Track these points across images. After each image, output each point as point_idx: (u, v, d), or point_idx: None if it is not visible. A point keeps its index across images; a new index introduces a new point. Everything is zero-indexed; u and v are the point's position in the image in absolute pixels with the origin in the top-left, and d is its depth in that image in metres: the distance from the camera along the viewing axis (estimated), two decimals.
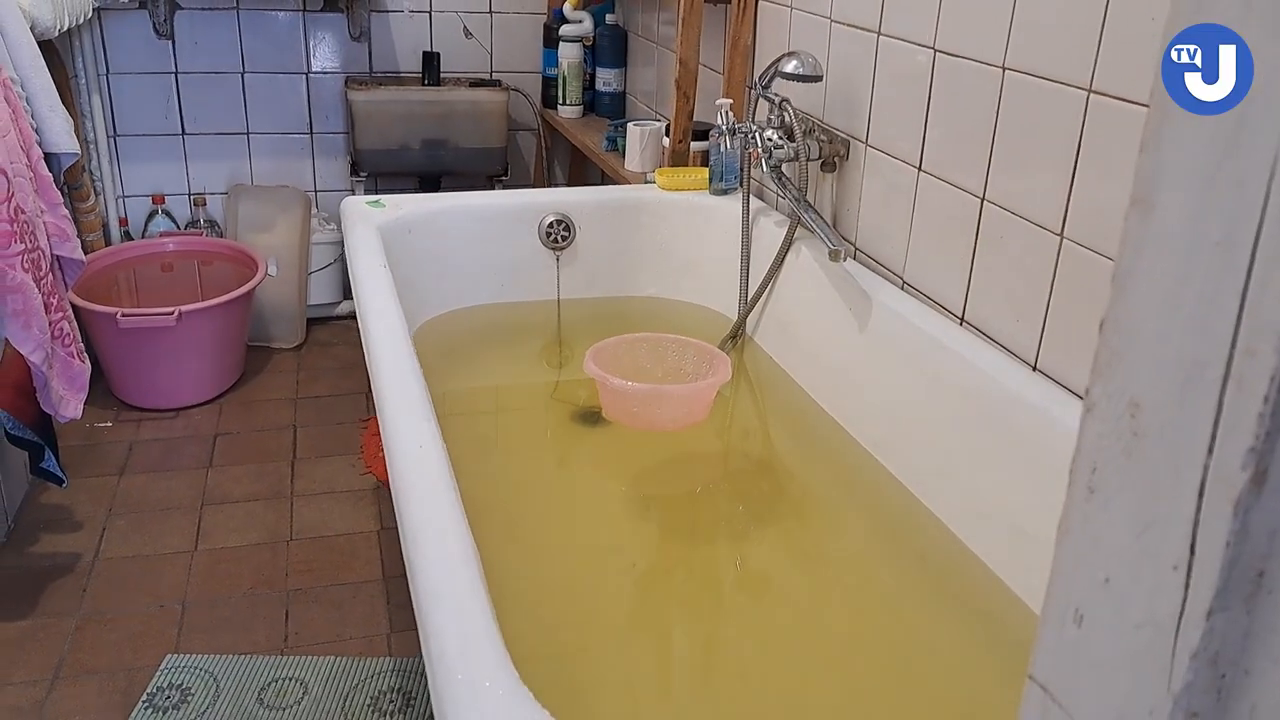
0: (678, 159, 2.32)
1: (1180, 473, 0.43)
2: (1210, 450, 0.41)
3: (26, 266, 1.65)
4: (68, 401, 1.83)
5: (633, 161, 2.48)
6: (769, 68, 1.84)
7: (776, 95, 1.88)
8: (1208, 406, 0.41)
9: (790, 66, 1.78)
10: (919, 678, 1.31)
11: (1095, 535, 0.48)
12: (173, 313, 2.41)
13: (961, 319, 1.57)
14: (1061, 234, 1.34)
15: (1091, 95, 1.27)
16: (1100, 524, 0.48)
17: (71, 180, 2.49)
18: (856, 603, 1.45)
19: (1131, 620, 0.46)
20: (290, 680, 1.71)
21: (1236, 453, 0.40)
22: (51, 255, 1.80)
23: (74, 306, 2.07)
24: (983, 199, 1.50)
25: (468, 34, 3.13)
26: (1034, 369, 1.41)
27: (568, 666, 1.28)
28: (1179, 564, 0.43)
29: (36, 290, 1.68)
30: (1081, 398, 1.32)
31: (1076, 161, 1.31)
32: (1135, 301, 0.46)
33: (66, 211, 1.86)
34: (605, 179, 2.70)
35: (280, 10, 2.94)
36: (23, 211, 1.66)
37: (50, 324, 1.74)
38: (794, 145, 1.84)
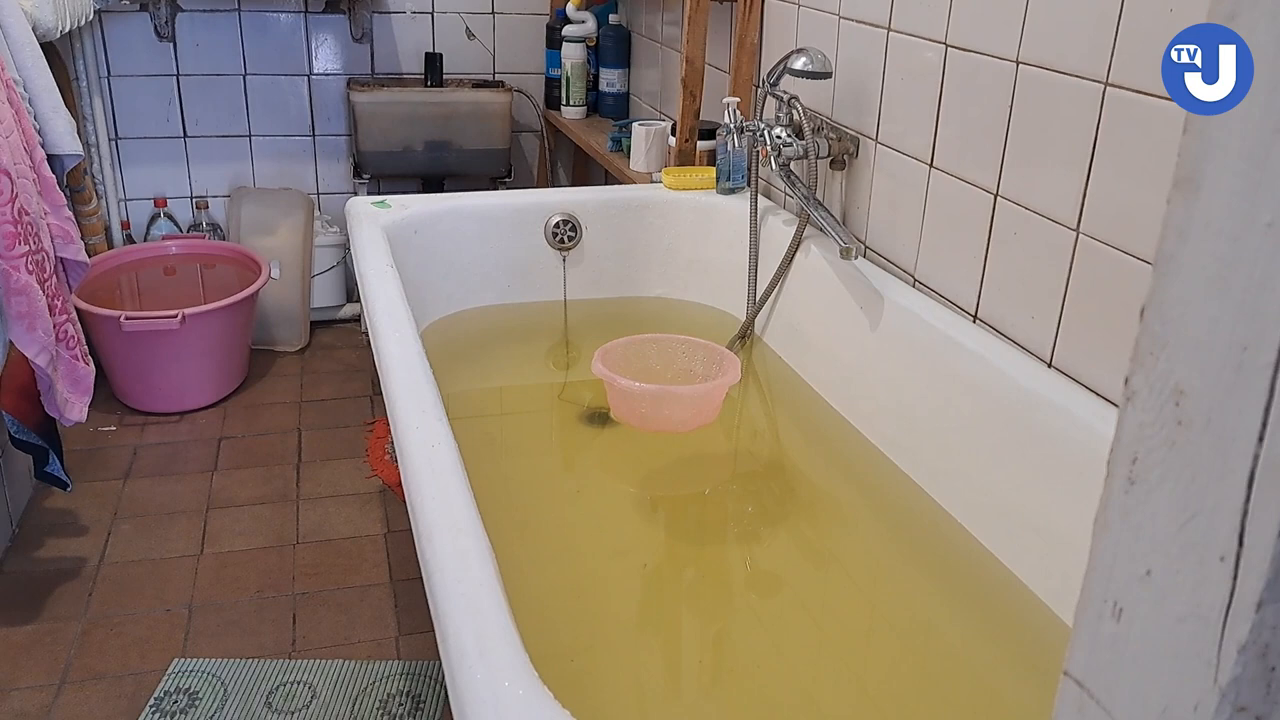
0: (684, 158, 2.31)
1: (1228, 461, 0.42)
2: (1261, 438, 0.40)
3: (31, 269, 1.64)
4: (72, 404, 1.82)
5: (638, 162, 2.47)
6: (777, 65, 1.82)
7: (785, 93, 1.87)
8: (1258, 392, 0.40)
9: (799, 63, 1.77)
10: (933, 677, 1.29)
11: (1136, 527, 0.47)
12: (176, 316, 2.40)
13: (974, 316, 1.56)
14: (1077, 229, 1.33)
15: (1108, 88, 1.26)
16: (1141, 516, 0.47)
17: (74, 183, 2.48)
18: (869, 602, 1.44)
19: (1174, 613, 0.45)
20: (298, 684, 1.69)
21: None
22: (55, 257, 1.79)
23: (77, 309, 2.06)
24: (996, 195, 1.48)
25: (470, 35, 3.12)
26: (1049, 366, 1.40)
27: (579, 665, 1.27)
28: (1226, 555, 0.42)
29: (41, 292, 1.67)
30: (1098, 394, 1.32)
31: (1093, 156, 1.29)
32: (1179, 286, 0.44)
33: (70, 214, 1.85)
34: (609, 179, 2.69)
35: (282, 12, 2.93)
36: (26, 213, 1.65)
37: (55, 326, 1.72)
38: (803, 143, 1.83)
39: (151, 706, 1.64)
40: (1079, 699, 0.52)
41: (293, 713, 1.64)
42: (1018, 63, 1.42)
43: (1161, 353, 0.46)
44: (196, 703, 1.65)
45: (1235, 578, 0.42)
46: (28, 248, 1.64)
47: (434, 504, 1.02)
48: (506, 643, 0.81)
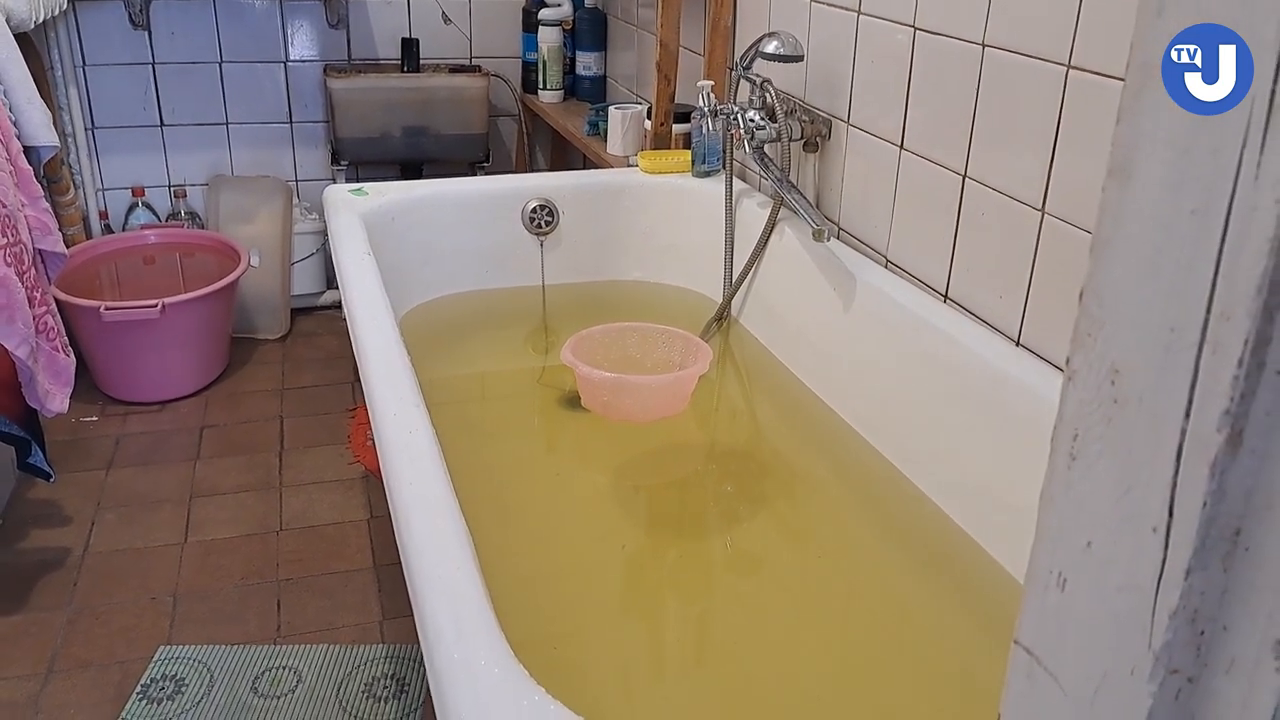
0: (660, 142, 2.32)
1: (1159, 437, 0.44)
2: (1187, 414, 0.42)
3: (9, 261, 1.65)
4: (54, 395, 1.82)
5: (615, 145, 2.48)
6: (749, 49, 1.84)
7: (758, 76, 1.89)
8: (1185, 371, 0.42)
9: (771, 47, 1.79)
10: (908, 649, 1.32)
11: (1077, 501, 0.49)
12: (157, 305, 2.41)
13: (945, 296, 1.58)
14: (1043, 210, 1.35)
15: (1071, 71, 1.28)
16: (1082, 490, 0.49)
17: (50, 174, 2.48)
18: (846, 578, 1.47)
19: (1113, 583, 0.47)
20: (284, 669, 1.71)
21: (1212, 415, 0.41)
22: (34, 249, 1.80)
23: (56, 300, 2.07)
24: (964, 176, 1.51)
25: (446, 20, 3.12)
26: (1017, 344, 1.43)
27: (560, 649, 1.29)
28: (1158, 526, 0.44)
29: (20, 284, 1.67)
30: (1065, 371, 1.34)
31: (1057, 137, 1.32)
32: (1114, 270, 0.46)
33: (48, 205, 1.86)
34: (587, 163, 2.70)
35: None
36: (3, 205, 1.65)
37: (34, 318, 1.73)
38: (776, 126, 1.85)
39: (138, 694, 1.66)
40: (1028, 665, 0.54)
41: (279, 697, 1.66)
42: (983, 46, 1.44)
43: (1099, 333, 0.48)
44: (183, 689, 1.67)
45: (1166, 548, 0.44)
46: (5, 240, 1.65)
47: (411, 489, 1.04)
48: (483, 625, 0.83)
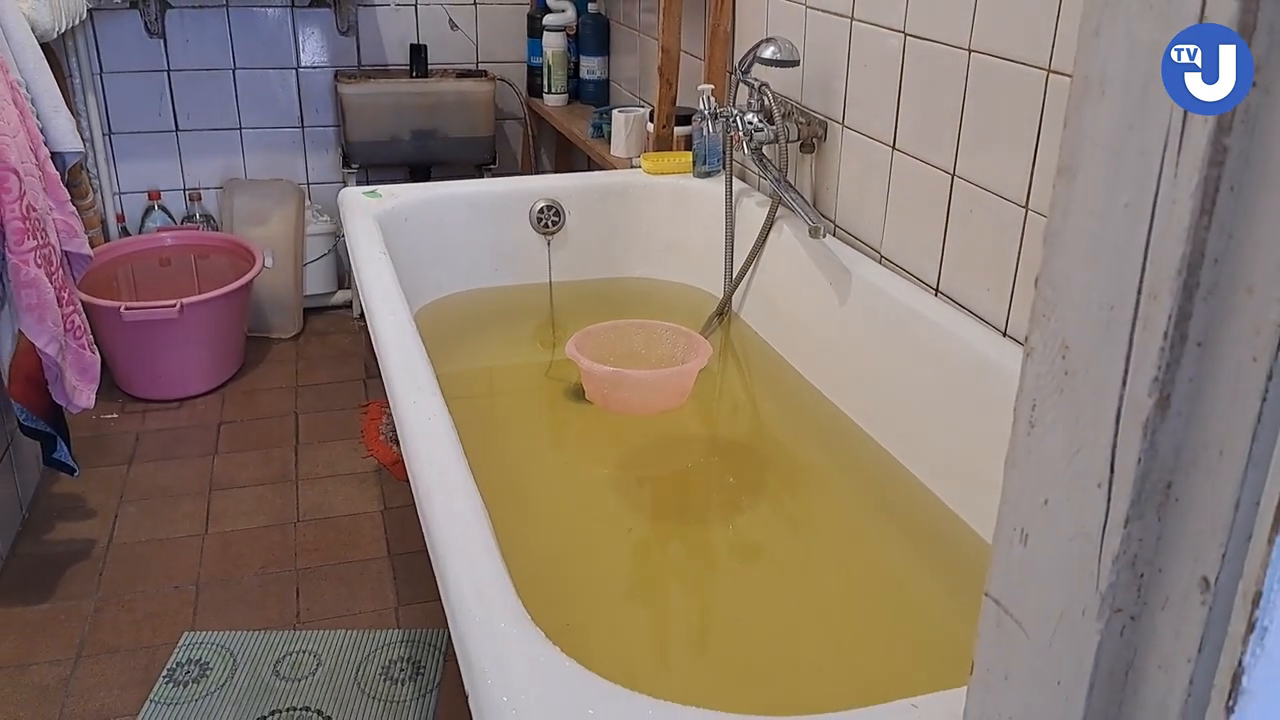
0: (662, 144, 2.39)
1: (1101, 402, 0.50)
2: (1124, 381, 0.48)
3: (39, 262, 1.72)
4: (80, 391, 1.89)
5: (618, 147, 2.55)
6: (748, 54, 1.91)
7: (756, 80, 1.95)
8: (1121, 344, 0.48)
9: (768, 52, 1.85)
10: (903, 629, 1.39)
11: (1036, 464, 0.55)
12: (175, 305, 2.48)
13: (936, 290, 1.64)
14: (1026, 206, 1.42)
15: (1050, 75, 1.35)
16: (1040, 454, 0.55)
17: (70, 178, 2.55)
18: (844, 564, 1.53)
19: (1066, 534, 0.53)
20: (304, 653, 1.78)
21: (1144, 382, 0.47)
22: (61, 251, 1.86)
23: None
24: (953, 175, 1.57)
25: (453, 26, 3.19)
26: (1004, 334, 1.49)
27: (567, 634, 1.35)
28: (1102, 482, 0.50)
29: (49, 284, 1.74)
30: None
31: (1038, 137, 1.38)
32: (1063, 258, 0.53)
33: (73, 208, 1.93)
34: (591, 165, 2.77)
35: (269, 7, 3.00)
36: (34, 209, 1.72)
37: (62, 317, 1.80)
38: (774, 128, 1.92)
39: (165, 677, 1.73)
40: (996, 614, 0.61)
41: (299, 680, 1.73)
42: (970, 51, 1.50)
43: (1052, 314, 0.54)
44: (208, 673, 1.74)
45: (1109, 500, 0.50)
46: (36, 242, 1.71)
47: (432, 469, 1.11)
48: (501, 589, 0.89)
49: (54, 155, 1.94)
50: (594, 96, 3.09)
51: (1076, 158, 0.52)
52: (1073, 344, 0.53)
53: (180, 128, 3.03)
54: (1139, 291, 0.48)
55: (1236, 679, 0.44)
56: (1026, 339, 0.56)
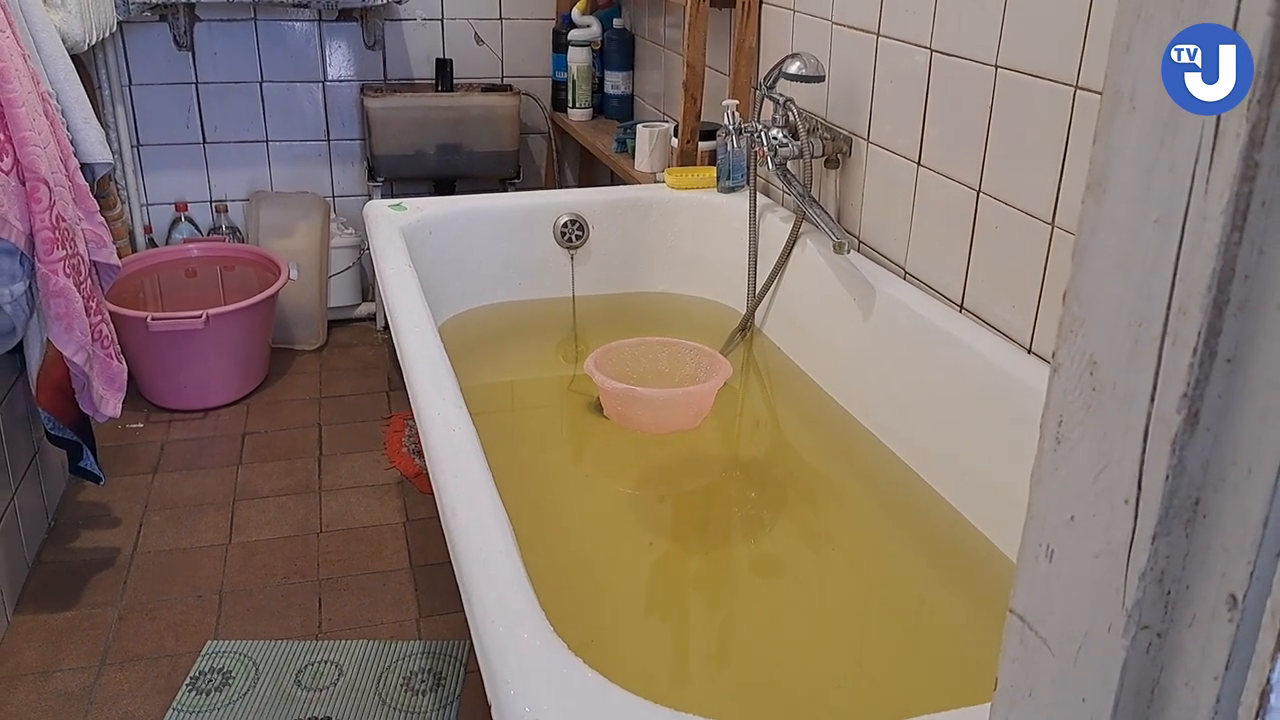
0: (686, 159, 2.39)
1: (1129, 419, 0.50)
2: (1153, 398, 0.48)
3: (68, 272, 1.74)
4: (107, 400, 1.91)
5: (642, 162, 2.56)
6: (773, 69, 1.91)
7: (781, 95, 1.96)
8: (1150, 360, 0.48)
9: (794, 68, 1.86)
10: (925, 647, 1.38)
11: (1062, 480, 0.55)
12: (201, 316, 2.50)
13: (960, 306, 1.64)
14: (1053, 223, 1.41)
15: (1078, 91, 1.34)
16: (1066, 470, 0.55)
17: (99, 190, 2.58)
18: (866, 580, 1.53)
19: (1091, 550, 0.53)
20: (326, 663, 1.79)
21: (1173, 398, 0.47)
22: (89, 261, 1.88)
23: None
24: (979, 191, 1.57)
25: (479, 40, 3.21)
26: (1029, 351, 1.49)
27: (589, 648, 1.35)
28: (1129, 498, 0.50)
29: (77, 294, 1.76)
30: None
31: (1065, 154, 1.38)
32: (1091, 273, 0.53)
33: (102, 219, 1.95)
34: (615, 180, 2.78)
35: (296, 21, 3.02)
36: (63, 219, 1.74)
37: (90, 326, 1.82)
38: (798, 143, 1.92)
39: (188, 685, 1.74)
40: (1021, 631, 0.60)
41: (321, 689, 1.73)
42: (996, 67, 1.50)
43: (1079, 330, 0.54)
44: (230, 681, 1.75)
45: (1136, 517, 0.50)
46: (65, 252, 1.73)
47: (456, 481, 1.11)
48: (524, 601, 0.90)
49: (83, 166, 1.96)
50: (618, 111, 3.10)
51: (1106, 173, 0.52)
52: (1101, 360, 0.53)
53: (207, 140, 3.06)
54: (1168, 307, 0.48)
55: (1264, 697, 0.44)
56: (1054, 355, 0.56)
